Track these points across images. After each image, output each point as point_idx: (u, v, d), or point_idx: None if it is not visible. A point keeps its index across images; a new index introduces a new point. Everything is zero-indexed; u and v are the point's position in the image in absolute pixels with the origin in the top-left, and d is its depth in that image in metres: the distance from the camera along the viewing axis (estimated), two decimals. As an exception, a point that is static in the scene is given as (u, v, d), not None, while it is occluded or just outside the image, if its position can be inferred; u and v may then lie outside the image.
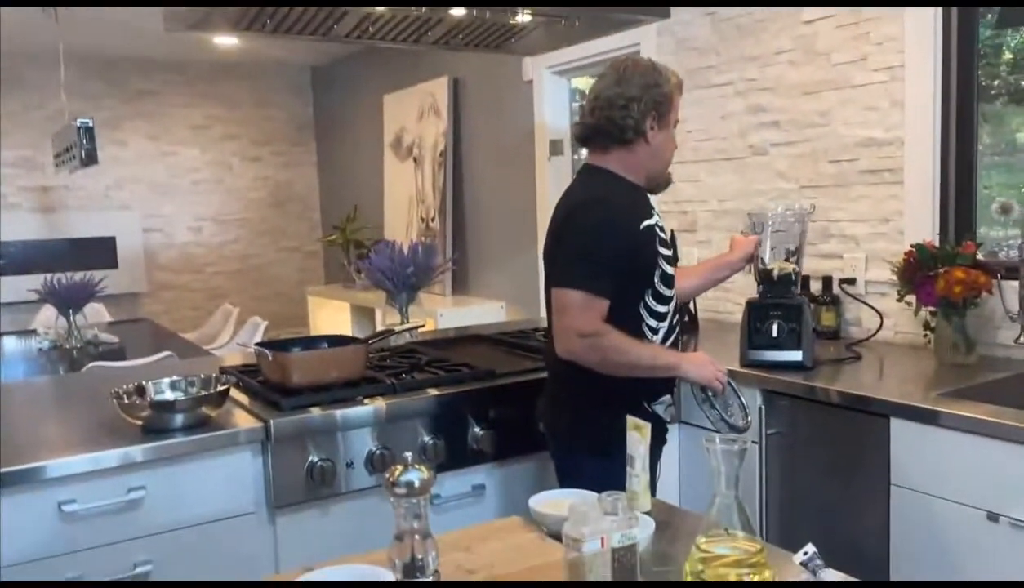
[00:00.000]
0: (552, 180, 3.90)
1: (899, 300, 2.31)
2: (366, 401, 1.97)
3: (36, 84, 5.38)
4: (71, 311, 4.02)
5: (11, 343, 4.38)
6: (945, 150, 2.37)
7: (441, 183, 4.58)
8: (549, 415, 1.96)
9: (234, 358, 2.71)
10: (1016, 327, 2.09)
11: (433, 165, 4.66)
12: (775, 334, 2.22)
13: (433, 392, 2.06)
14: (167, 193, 5.95)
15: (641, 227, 1.81)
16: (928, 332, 2.27)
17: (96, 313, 4.77)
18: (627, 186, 1.86)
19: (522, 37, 2.54)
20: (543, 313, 3.79)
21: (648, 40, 3.19)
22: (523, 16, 2.29)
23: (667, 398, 1.93)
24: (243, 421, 1.86)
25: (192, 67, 5.97)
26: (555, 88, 3.89)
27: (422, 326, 2.35)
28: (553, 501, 1.15)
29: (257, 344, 2.08)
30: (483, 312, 4.14)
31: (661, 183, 1.95)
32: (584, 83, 3.96)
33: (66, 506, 1.63)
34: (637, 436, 1.16)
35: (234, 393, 2.01)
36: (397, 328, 2.22)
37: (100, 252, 5.60)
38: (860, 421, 1.94)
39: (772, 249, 2.27)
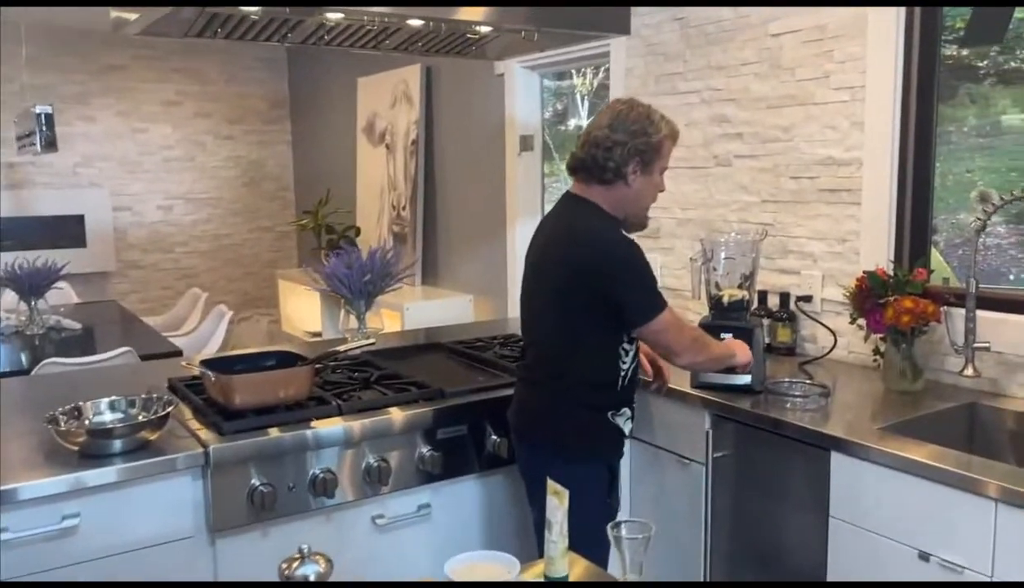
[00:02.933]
0: (522, 175, 3.87)
1: (851, 322, 2.32)
2: (313, 423, 1.96)
3: (2, 58, 5.27)
4: (32, 297, 3.97)
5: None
6: (903, 175, 2.36)
7: (413, 172, 4.54)
8: (523, 425, 2.04)
9: (192, 363, 2.69)
10: (962, 358, 2.11)
11: (405, 153, 4.62)
12: (725, 357, 2.22)
13: (379, 416, 2.05)
14: (137, 171, 5.86)
15: None
16: (878, 356, 2.28)
17: (63, 295, 4.72)
18: (614, 221, 1.94)
19: (483, 45, 2.51)
20: (511, 312, 3.80)
21: (618, 44, 3.15)
22: (482, 27, 2.26)
23: (627, 411, 2.01)
24: (184, 445, 1.85)
25: (163, 42, 5.85)
26: (526, 83, 3.84)
27: (371, 343, 2.33)
28: (470, 566, 1.15)
29: (202, 363, 2.07)
30: (451, 307, 4.13)
31: (635, 224, 2.01)
32: (556, 83, 3.93)
33: (-1, 535, 1.62)
34: (555, 502, 1.16)
35: (181, 406, 2.01)
36: (343, 348, 2.21)
37: (69, 230, 5.53)
38: (803, 452, 1.96)
39: (727, 274, 2.27)
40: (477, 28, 2.24)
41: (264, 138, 6.27)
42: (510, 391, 2.16)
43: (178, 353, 3.51)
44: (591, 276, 1.87)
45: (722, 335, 2.22)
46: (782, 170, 2.66)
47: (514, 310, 3.73)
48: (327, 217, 5.18)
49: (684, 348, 1.95)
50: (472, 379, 2.35)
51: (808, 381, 2.24)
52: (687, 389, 2.25)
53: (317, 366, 2.12)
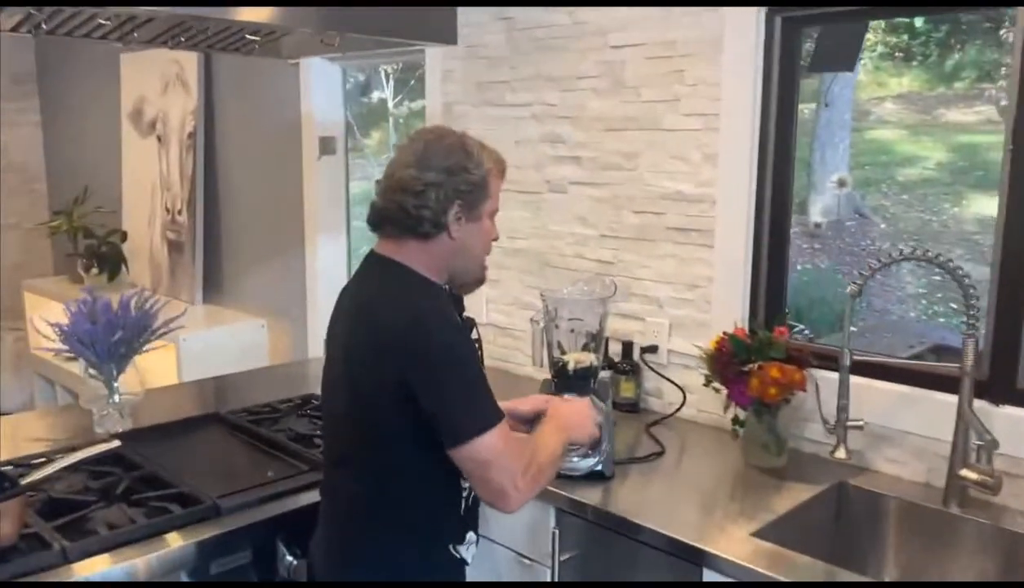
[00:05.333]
0: (324, 183, 3.33)
1: (706, 385, 2.04)
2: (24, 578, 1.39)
3: None
4: None
5: None
6: (759, 217, 2.11)
7: (191, 170, 3.85)
8: (330, 568, 1.55)
9: None
10: (825, 433, 1.88)
11: (181, 147, 3.91)
12: (572, 437, 1.86)
13: (123, 556, 1.50)
14: None
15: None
16: (737, 426, 2.01)
17: None
18: (433, 288, 1.51)
19: (269, 44, 1.97)
20: (311, 351, 3.27)
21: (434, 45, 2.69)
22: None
23: (472, 535, 1.61)
24: None
25: None
26: (326, 75, 3.29)
27: (115, 447, 1.76)
28: None
29: None
30: (240, 334, 3.53)
31: (470, 282, 1.59)
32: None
33: None
34: None
35: None
36: (72, 459, 1.62)
37: None
38: (670, 564, 1.64)
39: (571, 332, 1.91)
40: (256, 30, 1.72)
41: (5, 118, 5.21)
42: (311, 493, 1.70)
43: None
44: (397, 370, 1.40)
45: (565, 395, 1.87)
46: (624, 202, 2.34)
47: (316, 347, 3.21)
48: (85, 218, 4.34)
49: (510, 484, 1.41)
50: (259, 473, 1.84)
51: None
52: (528, 477, 1.88)
53: (30, 493, 1.54)
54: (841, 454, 1.80)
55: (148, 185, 4.17)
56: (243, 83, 3.64)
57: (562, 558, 1.82)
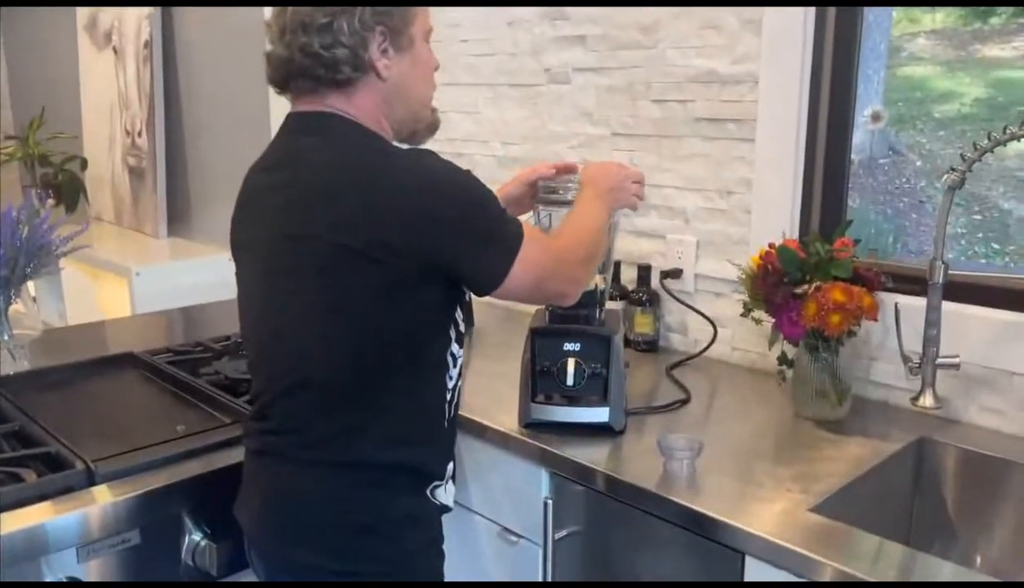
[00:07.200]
0: (291, 92, 2.87)
1: (744, 315, 1.59)
2: None
3: None
4: None
5: None
6: (815, 97, 1.63)
7: (148, 85, 3.39)
8: (275, 536, 1.19)
9: None
10: (906, 374, 1.44)
11: (137, 59, 3.45)
12: (570, 380, 1.43)
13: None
14: None
15: None
16: (784, 367, 1.57)
17: None
18: (383, 141, 1.19)
19: None
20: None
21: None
22: None
23: (451, 467, 1.29)
24: None
25: None
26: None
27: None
28: None
29: None
30: (205, 270, 3.09)
31: (421, 130, 1.28)
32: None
33: None
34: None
35: None
36: None
37: None
38: (700, 549, 1.22)
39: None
40: None
41: (-39, 37, 4.77)
42: (231, 452, 1.31)
43: None
44: (401, 231, 1.08)
45: (565, 347, 1.44)
46: (641, 90, 1.87)
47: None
48: (42, 144, 3.91)
49: (570, 281, 1.22)
50: (166, 428, 1.42)
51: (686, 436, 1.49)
52: (513, 431, 1.45)
53: None
54: (928, 401, 1.36)
55: (107, 105, 3.72)
56: (202, -21, 3.16)
57: (557, 535, 1.40)
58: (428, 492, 1.22)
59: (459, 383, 1.28)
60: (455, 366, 1.24)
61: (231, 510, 1.25)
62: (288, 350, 1.15)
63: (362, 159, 1.13)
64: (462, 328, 1.24)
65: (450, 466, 1.29)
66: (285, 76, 1.16)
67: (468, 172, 1.16)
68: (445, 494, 1.27)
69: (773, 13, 1.62)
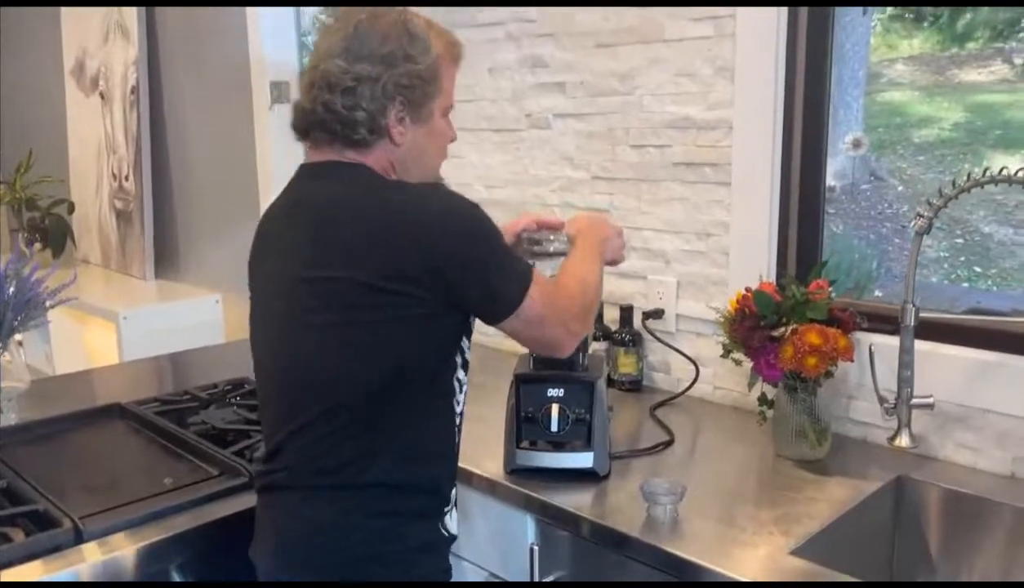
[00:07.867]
0: (276, 133, 2.89)
1: (724, 356, 1.62)
2: None
3: None
4: None
5: None
6: (788, 141, 1.68)
7: (135, 129, 3.43)
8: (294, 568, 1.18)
9: None
10: (883, 415, 1.46)
11: (124, 104, 3.49)
12: (554, 426, 1.46)
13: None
14: None
15: None
16: (764, 408, 1.59)
17: None
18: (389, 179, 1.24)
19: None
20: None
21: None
22: None
23: (454, 493, 1.30)
24: None
25: None
26: (274, 12, 2.86)
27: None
28: None
29: None
30: (192, 312, 3.11)
31: None
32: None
33: None
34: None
35: None
36: None
37: None
38: (681, 593, 1.24)
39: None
40: None
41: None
42: (220, 505, 1.32)
43: None
44: (418, 260, 1.12)
45: (549, 393, 1.47)
46: (619, 136, 1.91)
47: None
48: (29, 188, 3.93)
49: (567, 331, 1.24)
50: (152, 482, 1.43)
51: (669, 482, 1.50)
52: (498, 478, 1.47)
53: None
54: (904, 441, 1.39)
55: (94, 149, 3.75)
56: (187, 26, 3.21)
57: (544, 580, 1.41)
58: (440, 522, 1.24)
59: (463, 408, 1.30)
60: (461, 391, 1.26)
61: (221, 563, 1.26)
62: (305, 384, 1.17)
63: (375, 192, 1.17)
64: (468, 355, 1.27)
65: (454, 492, 1.30)
66: (306, 126, 1.20)
67: (478, 206, 1.20)
68: (451, 521, 1.28)
69: (746, 60, 1.67)
